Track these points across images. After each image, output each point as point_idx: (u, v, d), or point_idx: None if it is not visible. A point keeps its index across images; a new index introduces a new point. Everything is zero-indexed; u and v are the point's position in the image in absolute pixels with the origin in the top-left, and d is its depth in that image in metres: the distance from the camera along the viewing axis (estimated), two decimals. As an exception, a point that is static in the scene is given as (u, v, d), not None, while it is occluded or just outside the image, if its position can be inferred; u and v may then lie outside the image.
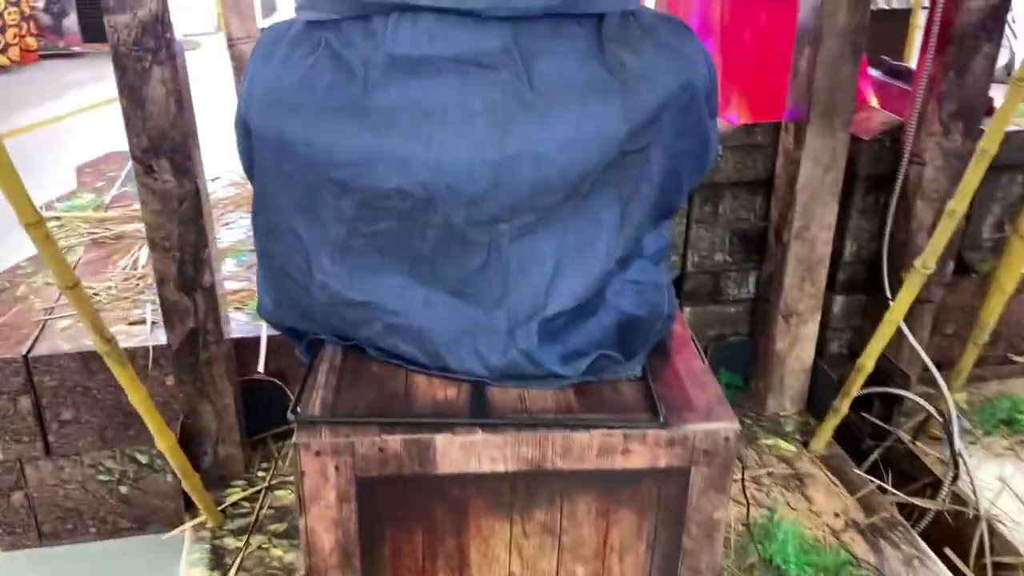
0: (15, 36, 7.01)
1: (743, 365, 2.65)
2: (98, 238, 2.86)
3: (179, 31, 1.88)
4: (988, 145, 1.80)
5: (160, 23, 1.80)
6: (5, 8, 6.86)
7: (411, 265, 1.31)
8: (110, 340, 1.70)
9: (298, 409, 1.25)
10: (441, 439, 1.22)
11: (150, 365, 2.21)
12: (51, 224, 2.96)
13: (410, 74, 1.21)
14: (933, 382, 2.31)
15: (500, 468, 1.24)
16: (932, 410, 2.35)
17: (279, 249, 1.35)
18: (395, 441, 1.22)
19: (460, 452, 1.23)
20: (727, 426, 1.26)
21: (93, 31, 7.40)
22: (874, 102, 2.63)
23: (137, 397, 1.80)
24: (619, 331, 1.43)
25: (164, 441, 1.91)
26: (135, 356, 2.21)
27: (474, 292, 1.31)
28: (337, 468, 1.22)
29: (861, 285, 2.54)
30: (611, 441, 1.25)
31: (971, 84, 2.15)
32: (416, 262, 1.30)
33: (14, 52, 7.04)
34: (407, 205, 1.23)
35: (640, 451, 1.25)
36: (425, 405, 1.29)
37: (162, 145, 1.90)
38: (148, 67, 1.83)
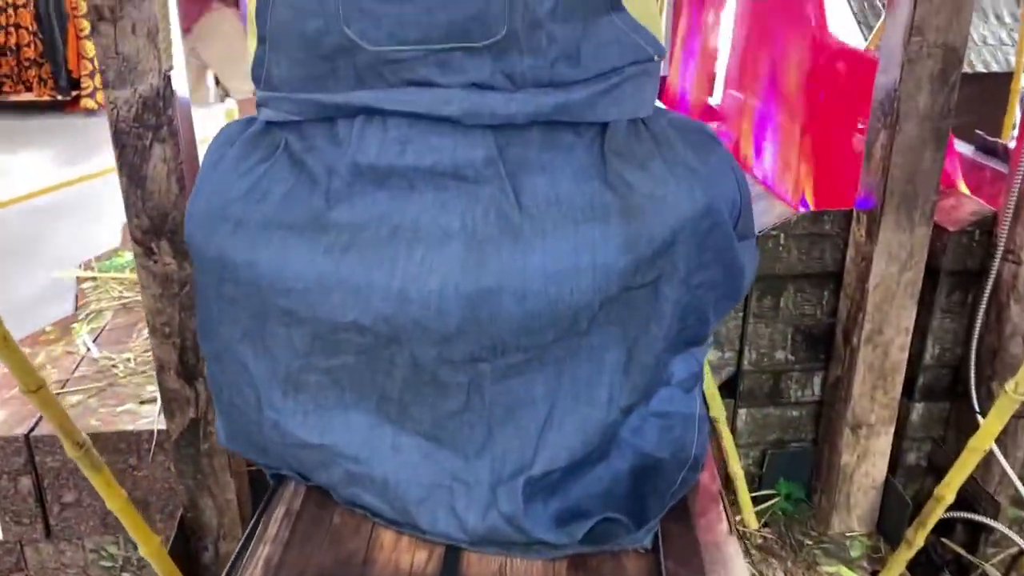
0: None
1: (805, 474, 2.36)
2: (128, 303, 2.77)
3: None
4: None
5: (162, 98, 1.68)
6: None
7: (377, 403, 1.11)
8: (82, 445, 1.55)
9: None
10: (394, 626, 1.02)
11: (153, 449, 2.09)
12: (86, 285, 2.90)
13: (378, 186, 1.03)
14: (1028, 509, 2.01)
15: (467, 662, 1.03)
16: (1026, 546, 2.03)
17: (227, 380, 1.18)
18: (340, 625, 1.02)
19: (418, 641, 1.02)
20: (750, 625, 1.02)
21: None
22: (963, 186, 2.33)
23: (116, 504, 1.65)
24: (633, 481, 1.20)
25: (148, 547, 1.75)
26: (140, 439, 2.09)
27: (451, 438, 1.11)
28: (272, 651, 1.03)
29: (944, 392, 2.24)
30: (603, 639, 1.02)
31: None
32: (383, 400, 1.11)
33: (101, 95, 7.24)
34: (367, 340, 1.04)
35: (638, 652, 1.02)
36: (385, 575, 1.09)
37: (163, 226, 1.77)
38: (149, 145, 1.71)
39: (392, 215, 1.02)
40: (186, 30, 3.59)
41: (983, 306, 2.06)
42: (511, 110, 1.00)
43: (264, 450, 1.22)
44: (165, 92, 1.68)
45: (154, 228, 1.77)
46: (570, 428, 1.10)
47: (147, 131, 1.70)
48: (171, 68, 1.67)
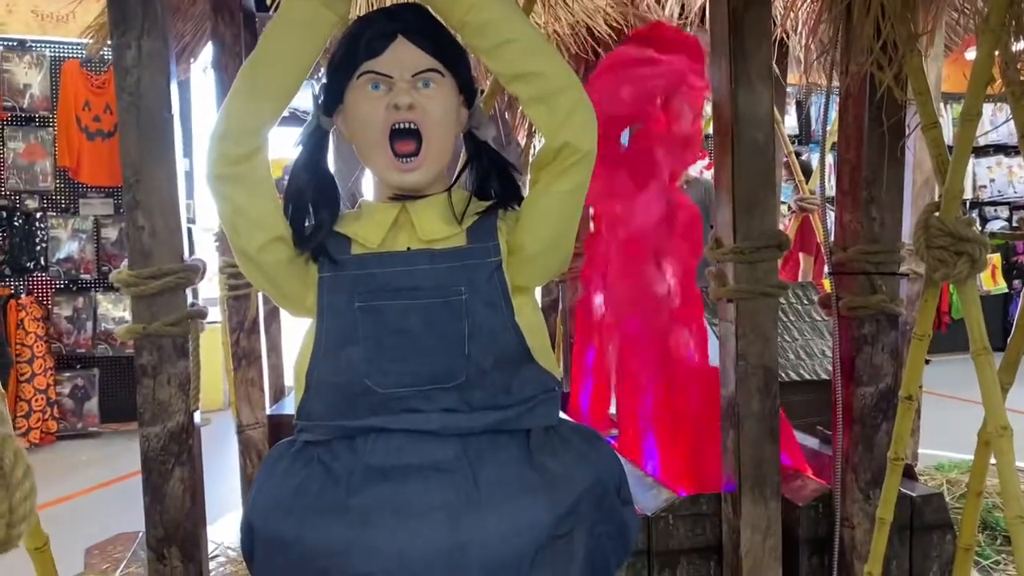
0: (38, 420, 7.56)
1: None
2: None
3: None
4: (884, 514, 2.09)
5: (185, 431, 2.18)
6: (33, 396, 7.48)
7: None
8: None
9: None
10: None
11: None
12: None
13: (383, 479, 1.54)
14: None
15: None
16: None
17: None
18: None
19: None
20: None
21: (110, 412, 8.03)
22: (808, 471, 2.96)
23: None
24: None
25: None
26: None
27: None
28: None
29: (818, 645, 2.67)
30: None
31: (879, 457, 2.50)
32: None
33: (35, 434, 7.56)
34: None
35: None
36: None
37: (175, 534, 2.19)
38: (171, 468, 2.18)
39: (394, 498, 1.51)
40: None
41: (835, 567, 2.57)
42: (471, 424, 1.55)
43: None
44: (188, 426, 2.18)
45: (167, 537, 2.18)
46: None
47: (170, 457, 2.18)
48: (196, 408, 2.20)
